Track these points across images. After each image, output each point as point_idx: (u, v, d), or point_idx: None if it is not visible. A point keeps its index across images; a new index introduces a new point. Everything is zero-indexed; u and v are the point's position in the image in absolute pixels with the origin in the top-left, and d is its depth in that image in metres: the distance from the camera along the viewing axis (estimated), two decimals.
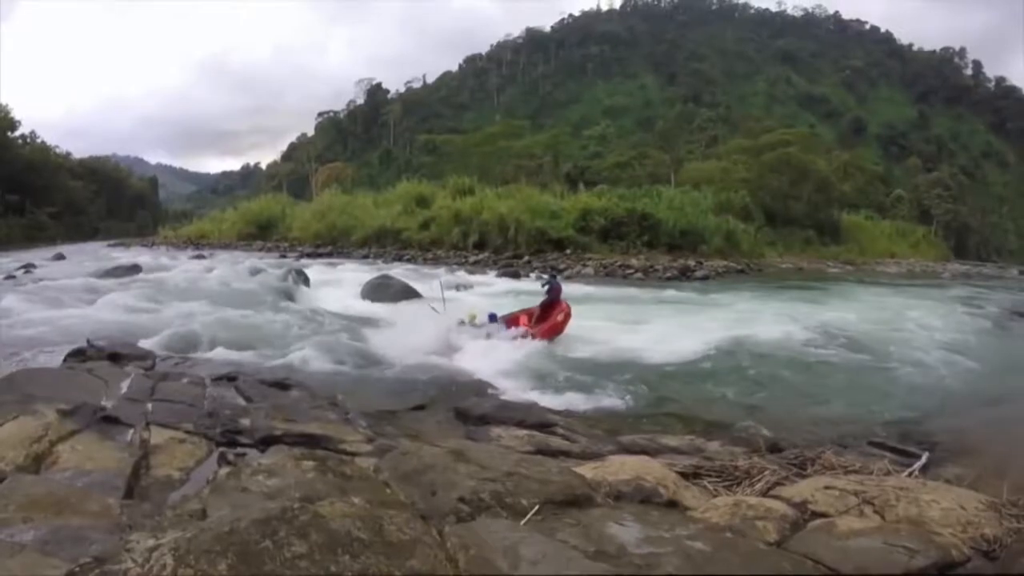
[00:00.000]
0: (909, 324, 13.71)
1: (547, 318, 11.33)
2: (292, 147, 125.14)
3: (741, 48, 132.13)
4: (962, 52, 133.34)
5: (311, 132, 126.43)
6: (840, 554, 2.56)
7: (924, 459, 4.81)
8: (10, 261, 27.82)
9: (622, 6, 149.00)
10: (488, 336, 10.49)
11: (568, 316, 11.34)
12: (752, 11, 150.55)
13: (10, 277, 19.54)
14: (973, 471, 4.67)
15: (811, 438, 6.15)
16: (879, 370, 9.90)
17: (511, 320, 11.25)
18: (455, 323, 11.01)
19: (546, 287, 12.05)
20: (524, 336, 10.52)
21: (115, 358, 7.47)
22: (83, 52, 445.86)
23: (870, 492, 3.19)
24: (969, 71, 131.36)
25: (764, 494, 3.56)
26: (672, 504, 3.35)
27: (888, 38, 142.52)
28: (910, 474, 4.27)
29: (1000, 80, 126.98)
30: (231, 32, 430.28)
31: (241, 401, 5.97)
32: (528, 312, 11.60)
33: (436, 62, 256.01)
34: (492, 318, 11.14)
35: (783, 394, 8.49)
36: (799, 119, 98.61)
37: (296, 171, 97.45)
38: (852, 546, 2.62)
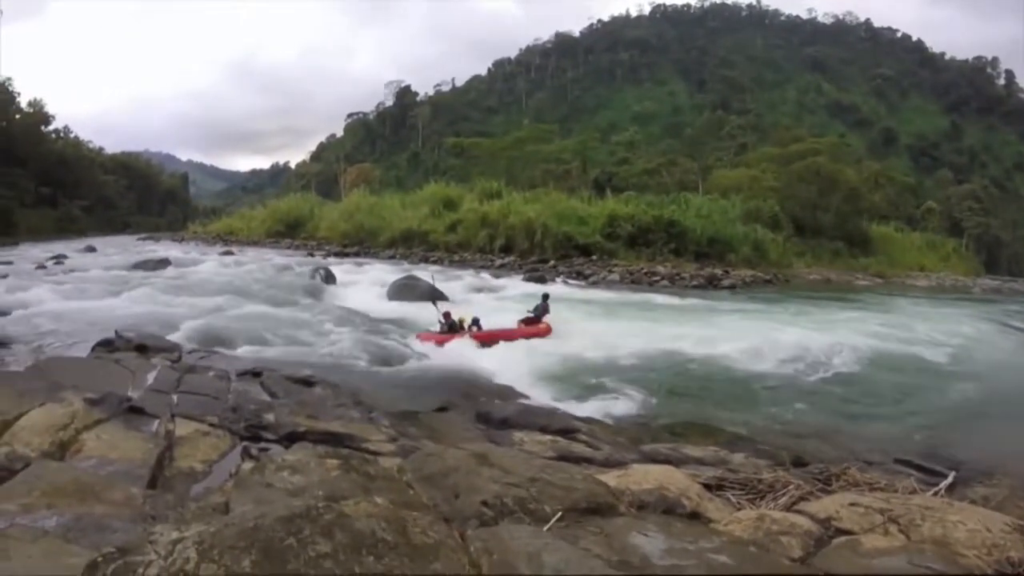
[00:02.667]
0: (938, 340, 13.43)
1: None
2: (321, 147, 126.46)
3: (771, 55, 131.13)
4: (995, 62, 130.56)
5: (340, 133, 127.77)
6: (864, 573, 2.51)
7: (951, 478, 4.68)
8: (41, 252, 28.42)
9: (651, 12, 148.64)
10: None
11: (535, 334, 11.49)
12: (782, 18, 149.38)
13: (41, 267, 19.96)
14: (1000, 492, 4.57)
15: (836, 453, 6.05)
16: (906, 386, 9.73)
17: (486, 334, 11.20)
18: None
19: (533, 308, 12.29)
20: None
21: (142, 349, 7.56)
22: (118, 50, 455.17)
23: (895, 510, 3.11)
24: (1002, 81, 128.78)
25: (788, 509, 3.50)
26: (695, 516, 3.30)
27: (920, 46, 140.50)
28: (936, 493, 4.16)
29: None
30: (262, 33, 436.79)
31: (265, 396, 6.00)
32: (506, 331, 11.63)
33: (465, 66, 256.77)
34: (476, 323, 11.26)
35: (808, 407, 8.35)
36: (829, 128, 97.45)
37: (325, 171, 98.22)
38: (876, 565, 2.56)
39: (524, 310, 12.47)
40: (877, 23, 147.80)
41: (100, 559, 1.87)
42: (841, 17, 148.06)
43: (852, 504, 3.25)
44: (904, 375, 10.40)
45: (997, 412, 8.54)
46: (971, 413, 8.46)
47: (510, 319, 12.14)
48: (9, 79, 59.92)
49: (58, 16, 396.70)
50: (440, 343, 10.51)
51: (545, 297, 12.81)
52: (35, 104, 65.20)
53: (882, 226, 52.87)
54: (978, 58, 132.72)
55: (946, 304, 23.68)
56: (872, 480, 4.31)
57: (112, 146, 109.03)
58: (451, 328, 11.05)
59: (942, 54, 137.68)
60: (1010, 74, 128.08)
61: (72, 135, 74.84)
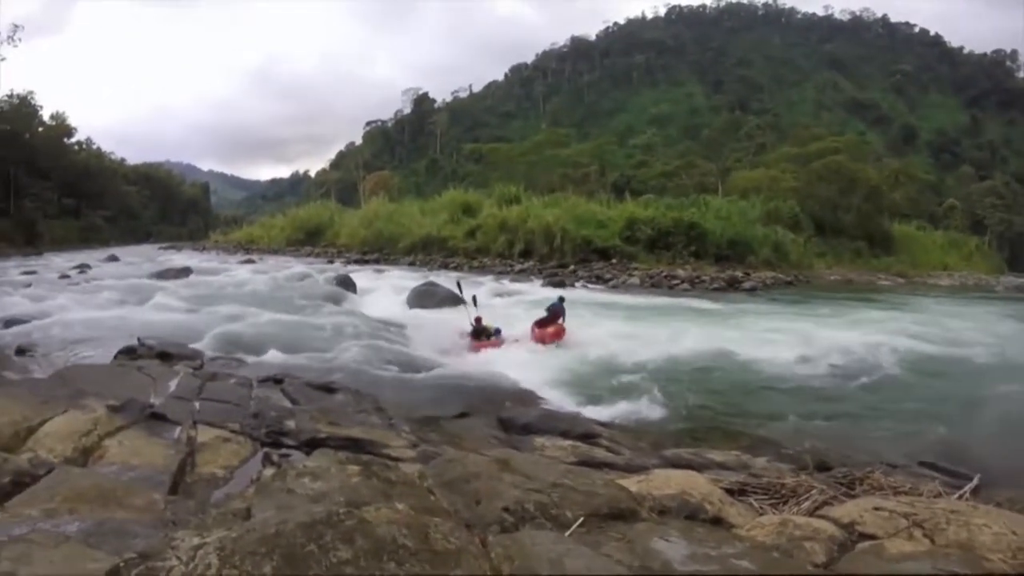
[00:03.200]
0: (963, 340, 13.21)
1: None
2: (340, 155, 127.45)
3: (788, 54, 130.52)
4: (1014, 55, 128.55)
5: (359, 141, 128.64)
6: None
7: (975, 481, 4.60)
8: (65, 261, 28.89)
9: (667, 13, 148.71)
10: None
11: (554, 336, 11.36)
12: (799, 16, 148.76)
13: (64, 276, 20.25)
14: None
15: (859, 457, 5.94)
16: (931, 387, 9.56)
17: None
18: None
19: (549, 308, 12.17)
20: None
21: (164, 357, 7.64)
22: (138, 61, 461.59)
23: (920, 514, 3.06)
24: (1022, 74, 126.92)
25: (811, 513, 3.47)
26: (717, 521, 3.27)
27: (938, 41, 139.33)
28: (961, 497, 4.11)
29: None
30: (280, 42, 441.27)
31: (286, 403, 6.01)
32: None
33: (482, 71, 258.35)
34: (497, 332, 11.20)
35: (831, 410, 8.25)
36: (848, 126, 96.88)
37: (344, 179, 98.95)
38: (901, 569, 2.52)
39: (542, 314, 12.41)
40: (894, 18, 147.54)
41: (122, 564, 1.88)
42: (858, 13, 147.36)
43: (876, 508, 3.21)
44: (928, 376, 10.23)
45: (1022, 413, 8.37)
46: (996, 415, 8.27)
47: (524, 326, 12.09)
48: (32, 92, 61.01)
49: (78, 29, 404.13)
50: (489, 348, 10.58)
51: (561, 300, 12.67)
52: (58, 117, 66.57)
53: (903, 225, 52.43)
54: (997, 51, 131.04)
55: (970, 303, 23.35)
56: (896, 484, 4.25)
57: (133, 157, 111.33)
58: (477, 334, 11.03)
59: (960, 48, 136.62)
60: None
61: (95, 146, 76.34)
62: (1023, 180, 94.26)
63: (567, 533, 2.61)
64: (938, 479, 4.78)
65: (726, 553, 2.55)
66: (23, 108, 59.60)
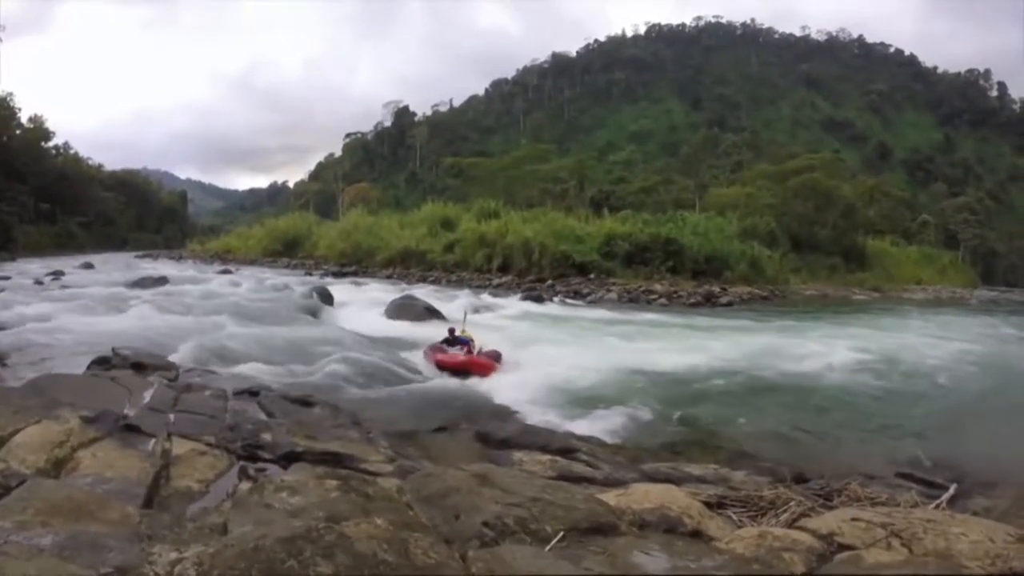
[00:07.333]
0: (936, 352, 13.43)
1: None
2: (320, 166, 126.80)
3: (766, 73, 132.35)
4: (987, 74, 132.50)
5: (339, 152, 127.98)
6: None
7: (952, 491, 4.68)
8: (39, 267, 28.43)
9: (647, 31, 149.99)
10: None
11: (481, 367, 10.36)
12: (776, 36, 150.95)
13: (39, 283, 19.95)
14: (1002, 503, 4.53)
15: (837, 468, 6.01)
16: (906, 399, 9.72)
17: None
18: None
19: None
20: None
21: (139, 367, 7.53)
22: (117, 67, 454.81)
23: (897, 524, 3.10)
24: (994, 93, 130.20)
25: (790, 525, 3.49)
26: (696, 534, 3.29)
27: (912, 61, 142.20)
28: (938, 506, 4.17)
29: None
30: (261, 51, 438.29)
31: (263, 416, 5.96)
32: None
33: (463, 85, 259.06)
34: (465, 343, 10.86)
35: (808, 423, 8.34)
36: (824, 144, 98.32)
37: (323, 190, 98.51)
38: None
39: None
40: (870, 39, 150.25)
41: None
42: (834, 34, 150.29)
43: (854, 519, 3.24)
44: (903, 387, 10.41)
45: (998, 422, 8.51)
46: (972, 424, 8.45)
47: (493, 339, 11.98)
48: (10, 94, 60.09)
49: (59, 31, 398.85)
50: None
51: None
52: (36, 120, 65.54)
53: (878, 240, 53.40)
54: (970, 71, 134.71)
55: (944, 316, 23.80)
56: (874, 495, 4.31)
57: (111, 163, 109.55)
58: (443, 345, 10.92)
59: (935, 68, 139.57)
60: (1003, 86, 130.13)
61: (72, 151, 75.32)
62: (996, 196, 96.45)
63: (547, 548, 2.62)
64: (915, 489, 4.84)
65: (706, 566, 2.58)
66: (1, 110, 58.74)
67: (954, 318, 23.07)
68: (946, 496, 4.48)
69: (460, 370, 9.79)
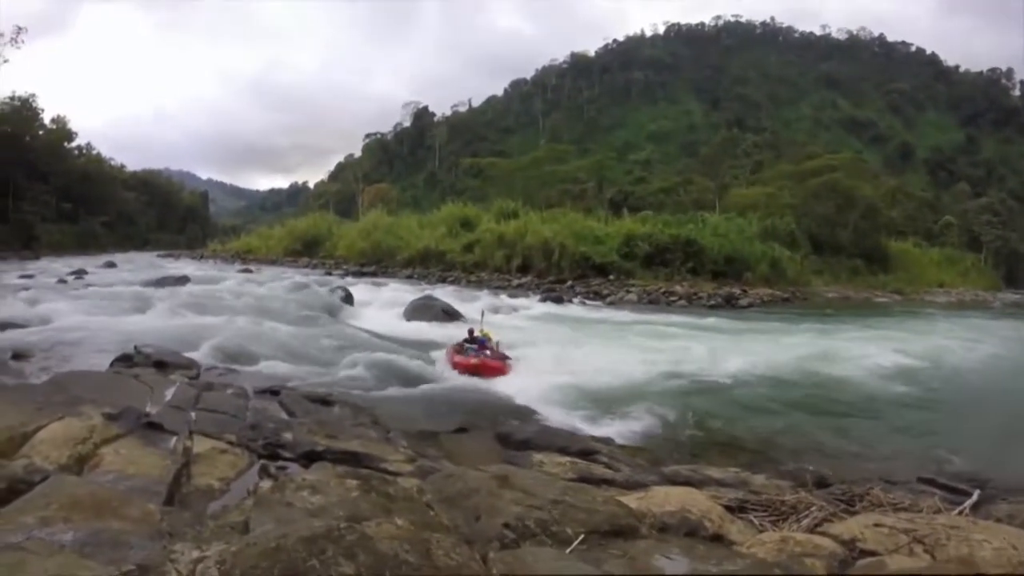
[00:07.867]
0: (961, 356, 13.26)
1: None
2: (339, 167, 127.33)
3: (785, 72, 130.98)
4: (1009, 73, 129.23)
5: (358, 153, 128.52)
6: None
7: (975, 497, 4.62)
8: (62, 266, 28.81)
9: (665, 31, 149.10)
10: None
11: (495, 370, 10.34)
12: (796, 35, 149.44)
13: (62, 282, 20.20)
14: None
15: (859, 473, 5.96)
16: (929, 404, 9.61)
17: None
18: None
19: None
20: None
21: (161, 366, 7.61)
22: (140, 67, 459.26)
23: (920, 530, 3.08)
24: (1017, 92, 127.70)
25: (811, 530, 3.47)
26: (717, 538, 3.28)
27: (934, 60, 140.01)
28: (961, 512, 4.14)
29: None
30: (280, 52, 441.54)
31: (284, 415, 5.98)
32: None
33: (481, 86, 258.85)
34: (482, 343, 10.88)
35: (830, 427, 8.26)
36: (845, 144, 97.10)
37: (343, 191, 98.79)
38: None
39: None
40: (891, 38, 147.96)
41: None
42: (855, 33, 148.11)
43: (876, 525, 3.22)
44: (926, 391, 10.27)
45: (1021, 428, 8.37)
46: (995, 430, 8.31)
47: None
48: (33, 95, 60.80)
49: (81, 32, 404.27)
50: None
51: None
52: (58, 120, 66.28)
53: (900, 242, 52.63)
54: (993, 70, 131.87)
55: (967, 319, 23.43)
56: (896, 500, 4.26)
57: (133, 163, 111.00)
58: (462, 346, 10.90)
59: (956, 67, 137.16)
60: None
61: (94, 151, 75.97)
62: (1019, 197, 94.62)
63: (568, 550, 2.61)
64: (938, 495, 4.78)
65: (727, 570, 2.56)
66: (24, 111, 59.41)
67: (978, 321, 22.74)
68: (969, 502, 4.44)
69: (474, 372, 9.82)
